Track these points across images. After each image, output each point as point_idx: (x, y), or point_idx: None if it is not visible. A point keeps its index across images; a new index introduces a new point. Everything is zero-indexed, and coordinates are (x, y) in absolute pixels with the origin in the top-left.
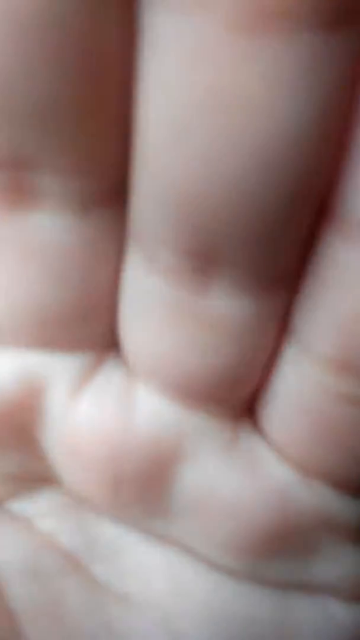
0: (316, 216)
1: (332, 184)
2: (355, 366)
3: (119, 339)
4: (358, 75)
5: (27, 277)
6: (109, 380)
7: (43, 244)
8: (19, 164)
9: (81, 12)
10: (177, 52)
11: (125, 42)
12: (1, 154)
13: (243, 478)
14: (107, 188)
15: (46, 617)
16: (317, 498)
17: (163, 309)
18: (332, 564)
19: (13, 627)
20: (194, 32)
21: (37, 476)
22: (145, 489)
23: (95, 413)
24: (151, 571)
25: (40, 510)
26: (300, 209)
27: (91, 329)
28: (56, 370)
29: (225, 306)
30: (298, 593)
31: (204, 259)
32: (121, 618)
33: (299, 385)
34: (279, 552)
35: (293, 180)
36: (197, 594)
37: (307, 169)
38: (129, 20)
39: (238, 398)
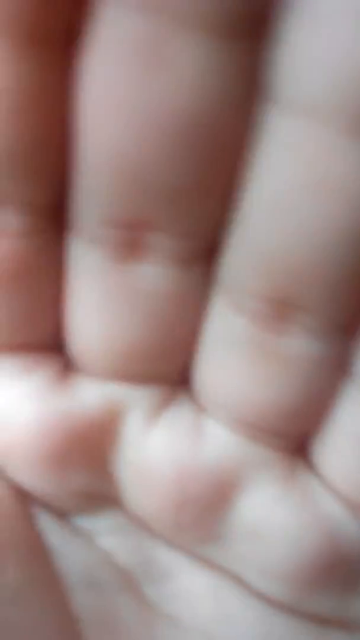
0: None
1: None
2: None
3: (191, 376)
4: None
5: (122, 319)
6: (180, 412)
7: (144, 292)
8: (137, 225)
9: (216, 114)
10: (289, 146)
11: (242, 136)
12: (128, 219)
13: (296, 511)
14: (205, 247)
15: (103, 627)
16: None
17: (242, 348)
18: None
19: (74, 632)
20: (308, 138)
21: (103, 495)
22: (204, 515)
23: (166, 441)
24: (199, 596)
25: (101, 528)
26: None
27: (168, 366)
28: (134, 400)
29: (299, 347)
30: (335, 628)
31: (285, 306)
32: (169, 638)
33: (354, 424)
34: (324, 585)
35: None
36: (241, 622)
37: None
38: (250, 120)
39: (298, 433)
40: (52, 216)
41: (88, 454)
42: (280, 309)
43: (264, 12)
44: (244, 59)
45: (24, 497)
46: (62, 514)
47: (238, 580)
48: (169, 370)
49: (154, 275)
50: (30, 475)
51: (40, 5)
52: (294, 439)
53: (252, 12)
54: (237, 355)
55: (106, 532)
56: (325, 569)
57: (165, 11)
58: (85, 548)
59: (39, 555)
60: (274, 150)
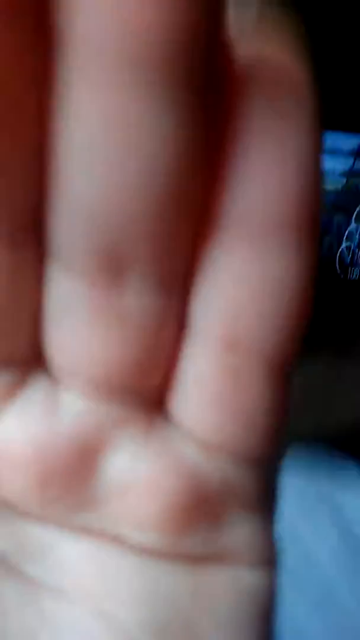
0: (199, 225)
1: (212, 197)
2: (238, 342)
3: (43, 351)
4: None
5: None
6: (34, 391)
7: None
8: None
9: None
10: (81, 89)
11: (35, 86)
12: None
13: (157, 461)
14: (30, 221)
15: None
16: (220, 471)
17: (81, 311)
18: (238, 534)
19: None
20: (99, 69)
21: None
22: (70, 486)
23: (20, 422)
24: (79, 563)
25: None
26: (179, 218)
27: (15, 347)
28: None
29: (134, 303)
30: (212, 565)
31: (113, 260)
32: (57, 611)
33: (198, 368)
34: (192, 526)
35: (170, 195)
36: (123, 580)
37: (180, 186)
38: (40, 66)
39: (150, 388)
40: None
41: None
42: (111, 266)
43: None
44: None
45: None
46: None
47: (114, 540)
48: (18, 352)
49: None
50: None
51: None
52: (148, 394)
53: None
54: (78, 319)
55: None
56: (192, 511)
57: None
58: None
59: None
60: (72, 99)
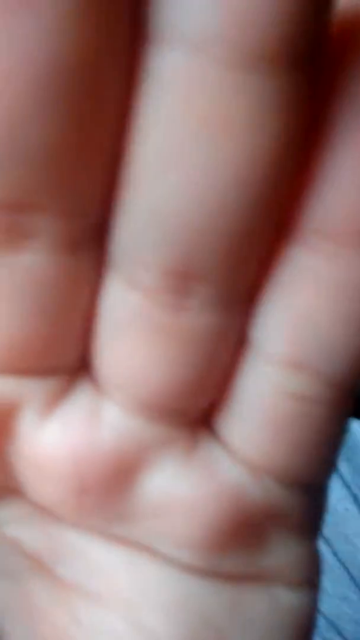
0: (276, 231)
1: (291, 202)
2: (303, 364)
3: (91, 360)
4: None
5: (11, 312)
6: (78, 400)
7: (28, 281)
8: (14, 207)
9: (92, 61)
10: (174, 89)
11: (124, 86)
12: (1, 198)
13: (200, 482)
14: (95, 226)
15: (20, 615)
16: (266, 493)
17: (138, 326)
18: (280, 555)
19: None
20: (189, 70)
21: (3, 487)
22: (106, 500)
23: (61, 432)
24: (113, 569)
25: (6, 517)
26: (263, 227)
27: (65, 355)
28: (28, 394)
29: (195, 321)
30: (250, 584)
31: (180, 278)
32: (89, 613)
33: (255, 388)
34: (233, 547)
35: (259, 204)
36: (158, 590)
37: (271, 194)
38: (131, 64)
39: (199, 407)
40: None
41: None
42: (177, 282)
43: None
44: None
45: None
46: None
47: (150, 551)
48: (66, 359)
49: (40, 265)
50: None
51: None
52: (195, 413)
53: None
54: (134, 334)
55: (10, 522)
56: (233, 532)
57: None
58: None
59: None
60: (159, 98)
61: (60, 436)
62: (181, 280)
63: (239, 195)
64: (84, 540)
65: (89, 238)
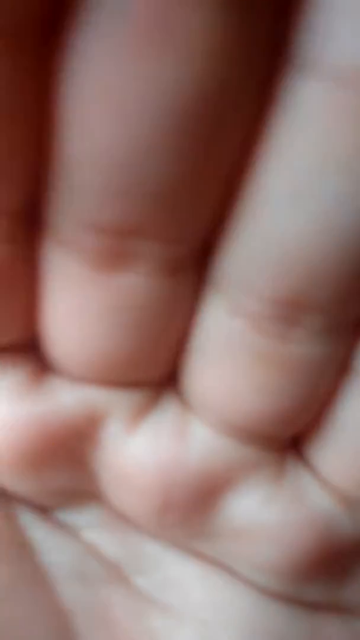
0: None
1: None
2: None
3: (179, 376)
4: None
5: (107, 329)
6: (164, 414)
7: (129, 301)
8: (124, 232)
9: (213, 94)
10: (314, 123)
11: (254, 116)
12: (113, 223)
13: (287, 509)
14: (197, 251)
15: (94, 620)
16: (356, 525)
17: (239, 352)
18: None
19: (65, 626)
20: (336, 103)
21: (85, 492)
22: (190, 515)
23: (148, 445)
24: (190, 584)
25: (85, 522)
26: None
27: (154, 371)
28: (115, 405)
29: (301, 350)
30: (329, 613)
31: (290, 307)
32: (162, 627)
33: (352, 418)
34: (317, 576)
35: None
36: (233, 609)
37: None
38: (267, 93)
39: (291, 433)
40: (27, 221)
41: (66, 457)
42: (284, 311)
43: None
44: (262, 29)
45: (2, 494)
46: (43, 510)
47: (228, 570)
48: (154, 374)
49: (139, 286)
50: (7, 477)
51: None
52: (286, 438)
53: None
54: (232, 360)
55: (90, 526)
56: (319, 563)
57: None
58: (70, 542)
59: (23, 551)
60: (293, 129)
61: (148, 449)
62: (291, 310)
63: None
64: (162, 552)
65: (190, 262)
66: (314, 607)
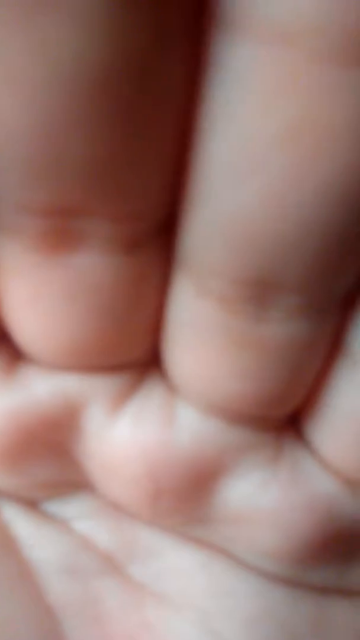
0: None
1: None
2: None
3: (161, 358)
4: None
5: (69, 312)
6: (148, 397)
7: (87, 282)
8: (65, 212)
9: (144, 59)
10: (254, 86)
11: (187, 82)
12: (49, 203)
13: (287, 491)
14: (154, 227)
15: (85, 616)
16: (359, 507)
17: (213, 334)
18: None
19: (53, 624)
20: (275, 63)
21: (72, 482)
22: (184, 501)
23: (133, 431)
24: (189, 572)
25: (76, 512)
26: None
27: (131, 352)
28: (94, 391)
29: (279, 331)
30: (336, 596)
31: (260, 288)
32: (160, 618)
33: (350, 397)
34: (321, 560)
35: (353, 210)
36: (237, 596)
37: None
38: (193, 57)
39: (283, 414)
40: None
41: (47, 449)
42: (253, 291)
43: None
44: None
45: None
46: (30, 503)
47: (229, 556)
48: (134, 355)
49: (93, 265)
50: None
51: None
52: (280, 420)
53: None
54: (206, 342)
55: (81, 516)
56: (322, 546)
57: None
58: (59, 535)
59: (6, 549)
60: (233, 95)
61: (133, 435)
62: (261, 290)
63: (327, 203)
64: (158, 540)
65: (150, 239)
66: (319, 590)
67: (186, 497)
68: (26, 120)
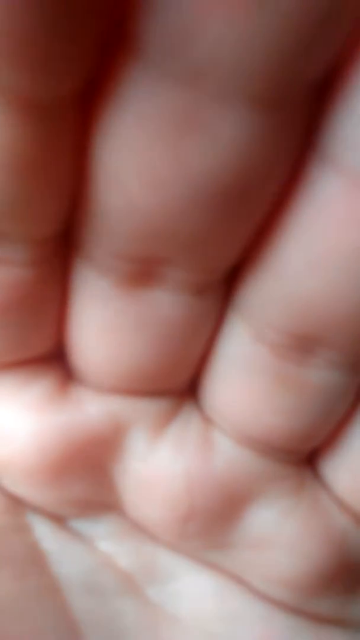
0: None
1: None
2: None
3: (200, 389)
4: None
5: (134, 342)
6: (188, 422)
7: (155, 316)
8: (154, 260)
9: (252, 177)
10: (325, 209)
11: (280, 195)
12: (144, 255)
13: (305, 523)
14: (221, 277)
15: (104, 632)
16: None
17: (260, 374)
18: None
19: (76, 638)
20: (352, 202)
21: (103, 502)
22: (211, 525)
23: (174, 454)
24: (202, 596)
25: (101, 532)
26: None
27: (176, 382)
28: (139, 414)
29: (320, 377)
30: (333, 627)
31: (309, 340)
32: (172, 638)
33: None
34: (328, 590)
35: None
36: (243, 621)
37: None
38: (291, 186)
39: (308, 449)
40: (59, 245)
41: (88, 466)
42: (303, 343)
43: (317, 80)
44: (290, 126)
45: (18, 505)
46: (58, 519)
47: (241, 581)
48: (176, 385)
49: (165, 302)
50: (26, 487)
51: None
52: (304, 454)
53: (300, 84)
54: (252, 379)
55: (105, 536)
56: (332, 578)
57: (205, 83)
58: (83, 552)
59: (35, 564)
60: (311, 211)
61: (173, 458)
62: (309, 343)
63: None
64: (177, 563)
65: (216, 286)
66: (320, 620)
67: (214, 521)
68: (145, 202)
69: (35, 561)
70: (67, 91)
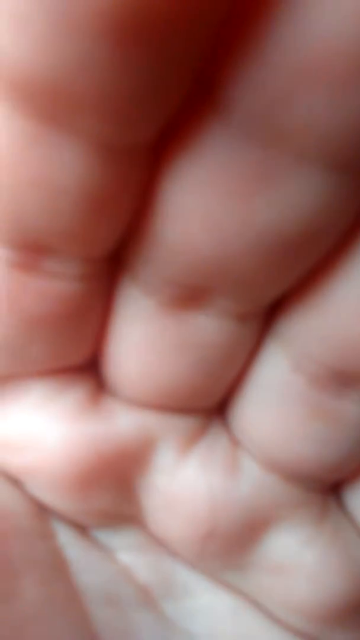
0: None
1: None
2: None
3: (229, 410)
4: None
5: (172, 362)
6: (215, 442)
7: (196, 339)
8: (202, 289)
9: (315, 235)
10: None
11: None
12: (193, 283)
13: (326, 553)
14: (264, 308)
15: None
16: None
17: (295, 403)
18: None
19: None
20: None
21: (125, 515)
22: (232, 546)
23: (200, 472)
24: (218, 615)
25: (122, 543)
26: None
27: (207, 401)
28: (168, 429)
29: (355, 410)
30: None
31: (346, 375)
32: None
33: None
34: (344, 622)
35: None
36: None
37: None
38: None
39: (335, 479)
40: (109, 263)
41: (114, 478)
42: (341, 378)
43: None
44: (358, 186)
45: (43, 512)
46: (81, 528)
47: (257, 605)
48: (207, 405)
49: (207, 326)
50: (51, 494)
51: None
52: (330, 482)
53: None
54: (286, 407)
55: (126, 548)
56: (349, 610)
57: (290, 146)
58: (104, 562)
59: (59, 571)
60: None
61: (200, 476)
62: (345, 377)
63: None
64: (194, 580)
65: (259, 315)
66: None
67: (234, 542)
68: (204, 247)
69: (59, 568)
70: (143, 139)
